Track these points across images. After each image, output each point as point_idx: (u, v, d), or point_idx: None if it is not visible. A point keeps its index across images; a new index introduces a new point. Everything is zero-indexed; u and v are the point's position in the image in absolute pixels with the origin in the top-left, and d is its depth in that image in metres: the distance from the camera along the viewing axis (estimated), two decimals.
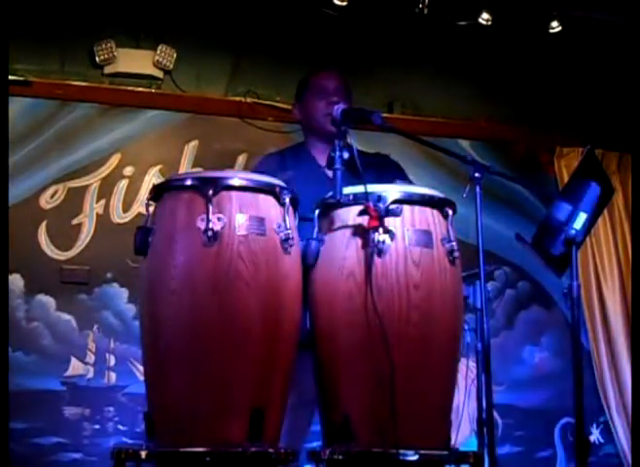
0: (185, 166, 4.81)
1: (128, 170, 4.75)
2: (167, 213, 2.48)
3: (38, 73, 4.66)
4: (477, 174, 2.75)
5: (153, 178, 4.70)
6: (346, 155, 2.57)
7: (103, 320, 4.59)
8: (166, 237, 2.45)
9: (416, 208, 2.54)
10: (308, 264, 2.55)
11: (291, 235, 2.47)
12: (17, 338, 4.35)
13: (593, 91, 5.32)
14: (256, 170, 3.11)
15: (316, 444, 2.64)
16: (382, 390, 2.43)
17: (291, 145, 3.40)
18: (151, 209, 2.53)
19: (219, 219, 2.40)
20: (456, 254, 2.56)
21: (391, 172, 3.12)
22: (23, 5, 4.50)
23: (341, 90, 3.22)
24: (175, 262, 2.41)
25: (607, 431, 5.13)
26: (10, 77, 4.37)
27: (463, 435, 2.80)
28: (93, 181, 4.70)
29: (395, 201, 2.49)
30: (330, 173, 3.09)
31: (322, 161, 3.15)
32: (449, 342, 2.55)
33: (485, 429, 2.71)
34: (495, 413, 2.87)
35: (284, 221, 2.47)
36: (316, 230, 2.57)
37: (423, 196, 2.59)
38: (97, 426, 4.49)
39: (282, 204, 2.49)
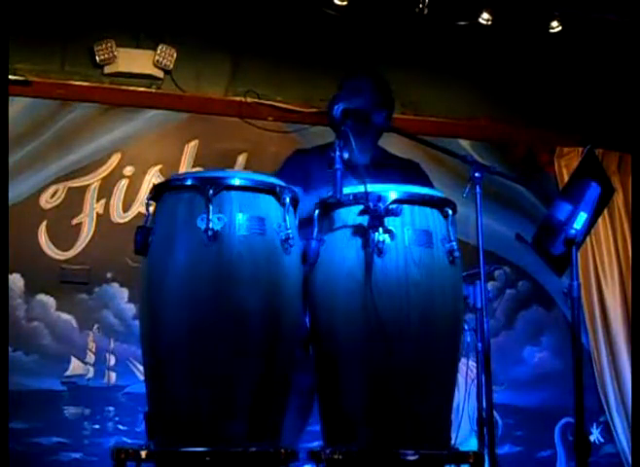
0: (185, 166, 4.81)
1: (128, 170, 4.75)
2: (167, 213, 2.48)
3: (38, 73, 4.66)
4: (477, 174, 2.76)
5: (153, 178, 4.70)
6: (346, 155, 2.57)
7: (103, 320, 4.59)
8: (166, 237, 2.45)
9: (416, 208, 2.55)
10: (309, 263, 2.55)
11: (291, 235, 2.47)
12: (17, 337, 4.35)
13: (593, 91, 5.32)
14: (284, 166, 3.12)
15: (316, 443, 2.64)
16: (382, 390, 2.44)
17: (324, 143, 3.37)
18: (151, 209, 2.53)
19: (219, 219, 2.40)
20: (456, 254, 2.56)
21: (417, 181, 3.08)
22: (24, 5, 4.50)
23: (355, 89, 3.19)
24: (175, 262, 2.41)
25: (607, 431, 5.12)
26: (10, 77, 4.37)
27: (463, 435, 2.80)
28: (93, 181, 4.70)
29: (395, 201, 2.49)
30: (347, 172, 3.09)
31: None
32: (449, 342, 2.55)
33: (485, 429, 2.71)
34: (495, 413, 2.87)
35: (284, 221, 2.47)
36: (316, 230, 2.57)
37: (423, 195, 2.59)
38: (97, 426, 4.49)
39: (282, 204, 2.49)
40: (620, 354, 5.14)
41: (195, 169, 4.72)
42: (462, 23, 4.92)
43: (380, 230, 2.45)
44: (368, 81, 3.24)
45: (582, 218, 2.96)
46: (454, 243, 2.56)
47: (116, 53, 4.73)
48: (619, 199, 5.28)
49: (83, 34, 4.73)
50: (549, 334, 5.19)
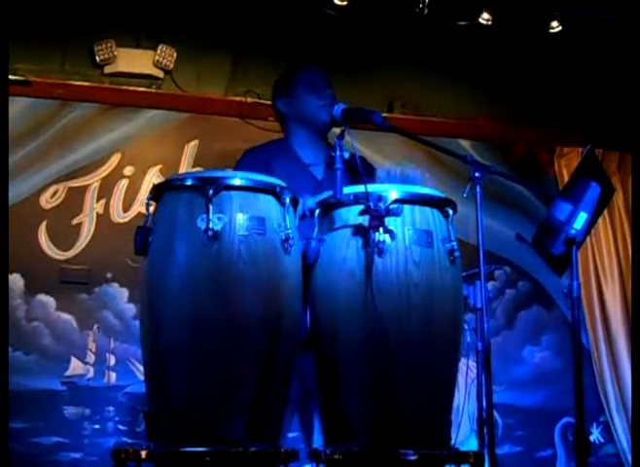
0: (185, 166, 4.81)
1: (128, 170, 4.75)
2: (167, 213, 2.48)
3: (38, 73, 4.66)
4: (477, 174, 2.75)
5: (153, 178, 4.70)
6: (346, 155, 2.58)
7: (103, 320, 4.59)
8: (166, 237, 2.45)
9: (417, 208, 2.55)
10: (309, 263, 2.55)
11: (291, 235, 2.47)
12: (17, 337, 4.35)
13: (593, 91, 5.32)
14: (239, 167, 3.12)
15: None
16: (382, 390, 2.44)
17: (272, 141, 3.37)
18: (151, 209, 2.53)
19: (219, 219, 2.40)
20: (456, 254, 2.56)
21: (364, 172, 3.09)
22: (24, 5, 4.50)
23: (329, 84, 3.23)
24: (175, 262, 2.41)
25: (607, 431, 5.12)
26: (10, 77, 4.37)
27: (463, 435, 2.80)
28: (93, 181, 4.70)
29: (396, 201, 2.49)
30: (316, 173, 3.11)
31: (306, 158, 3.17)
32: (449, 342, 2.55)
33: (485, 429, 2.71)
34: (495, 413, 2.87)
35: (284, 221, 2.47)
36: (316, 229, 2.57)
37: (424, 195, 2.59)
38: (97, 426, 4.49)
39: (282, 204, 2.49)
40: (620, 354, 5.14)
41: (194, 169, 4.71)
42: (462, 23, 4.92)
43: (381, 230, 2.45)
44: (323, 76, 3.25)
45: (582, 218, 2.95)
46: (455, 243, 2.56)
47: (116, 53, 4.72)
48: (619, 199, 5.28)
49: (83, 34, 4.73)
50: (549, 334, 5.18)
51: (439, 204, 2.59)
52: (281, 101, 3.28)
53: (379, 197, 2.47)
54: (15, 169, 4.46)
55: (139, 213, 4.61)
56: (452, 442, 2.57)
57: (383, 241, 2.46)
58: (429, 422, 2.49)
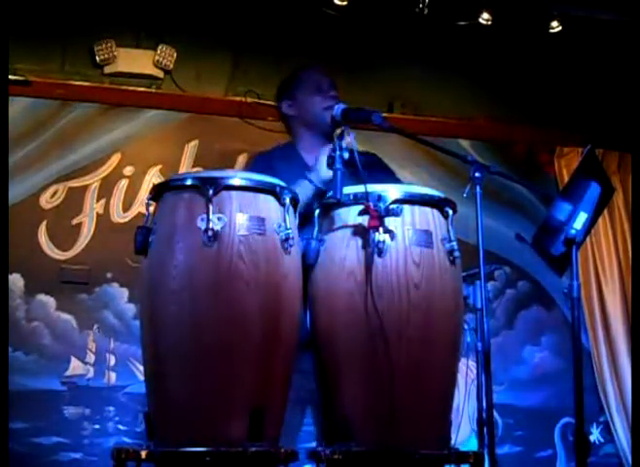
0: (185, 166, 4.81)
1: (128, 170, 4.75)
2: (167, 213, 2.48)
3: (38, 73, 4.67)
4: (477, 174, 2.75)
5: (153, 178, 4.71)
6: (346, 155, 2.58)
7: (103, 320, 4.59)
8: (166, 237, 2.45)
9: (417, 208, 2.54)
10: (309, 264, 2.55)
11: (291, 235, 2.46)
12: (17, 338, 4.36)
13: (593, 91, 5.32)
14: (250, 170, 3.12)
15: (313, 444, 2.64)
16: (382, 390, 2.43)
17: (280, 145, 3.38)
18: (151, 209, 2.53)
19: (219, 219, 2.40)
20: (456, 254, 2.55)
21: (380, 171, 3.12)
22: (24, 5, 4.50)
23: (333, 86, 3.22)
24: (175, 262, 2.41)
25: (607, 431, 5.13)
26: (10, 77, 4.37)
27: (463, 435, 2.80)
28: (93, 181, 4.71)
29: (395, 201, 2.49)
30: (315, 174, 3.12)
31: (311, 160, 3.17)
32: (449, 342, 2.55)
33: (485, 429, 2.71)
34: (495, 413, 2.88)
35: (284, 221, 2.47)
36: (316, 230, 2.57)
37: (423, 195, 2.59)
38: (97, 426, 4.49)
39: (282, 204, 2.49)
40: (620, 354, 5.14)
41: (194, 169, 4.72)
42: (462, 23, 4.93)
43: (380, 230, 2.45)
44: (327, 78, 3.24)
45: (582, 218, 2.95)
46: (454, 243, 2.56)
47: (116, 54, 4.73)
48: (619, 199, 5.28)
49: (83, 34, 4.74)
50: (549, 334, 5.19)
51: (439, 204, 2.59)
52: (285, 104, 3.28)
53: (379, 197, 2.47)
54: (15, 169, 4.47)
55: (139, 213, 4.62)
56: (452, 442, 2.57)
57: (383, 241, 2.45)
58: (429, 422, 2.49)
